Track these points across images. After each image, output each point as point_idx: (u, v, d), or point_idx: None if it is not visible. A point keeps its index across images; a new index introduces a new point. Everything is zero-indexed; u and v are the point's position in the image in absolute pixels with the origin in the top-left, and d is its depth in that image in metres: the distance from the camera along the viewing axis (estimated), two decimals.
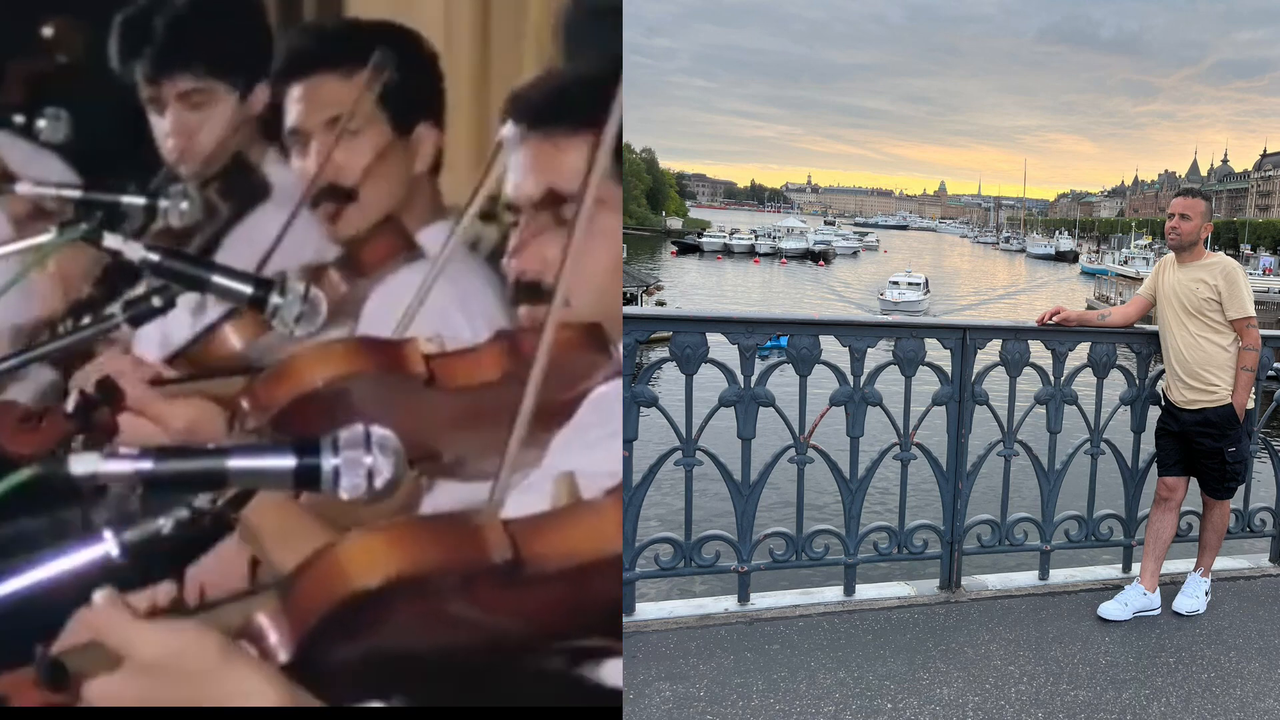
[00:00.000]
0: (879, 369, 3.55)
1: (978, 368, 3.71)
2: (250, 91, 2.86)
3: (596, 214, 1.90)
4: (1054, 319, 3.76)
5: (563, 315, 1.75)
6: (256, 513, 1.71)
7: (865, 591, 3.65)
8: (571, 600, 1.41)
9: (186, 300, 2.30)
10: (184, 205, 2.63)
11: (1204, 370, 3.56)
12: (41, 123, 3.02)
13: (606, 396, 1.91)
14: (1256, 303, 3.73)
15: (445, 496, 2.05)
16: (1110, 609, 3.57)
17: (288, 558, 1.71)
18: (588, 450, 1.82)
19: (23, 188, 2.62)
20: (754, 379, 3.37)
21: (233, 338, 2.40)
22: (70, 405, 2.00)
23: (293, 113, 2.55)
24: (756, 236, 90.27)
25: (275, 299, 2.15)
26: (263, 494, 1.66)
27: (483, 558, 1.38)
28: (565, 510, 1.51)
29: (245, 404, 1.98)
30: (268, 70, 2.76)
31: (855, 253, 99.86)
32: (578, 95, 1.95)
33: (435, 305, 2.21)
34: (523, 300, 2.00)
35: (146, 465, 1.38)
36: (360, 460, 1.43)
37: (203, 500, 1.52)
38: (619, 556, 1.46)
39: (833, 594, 3.62)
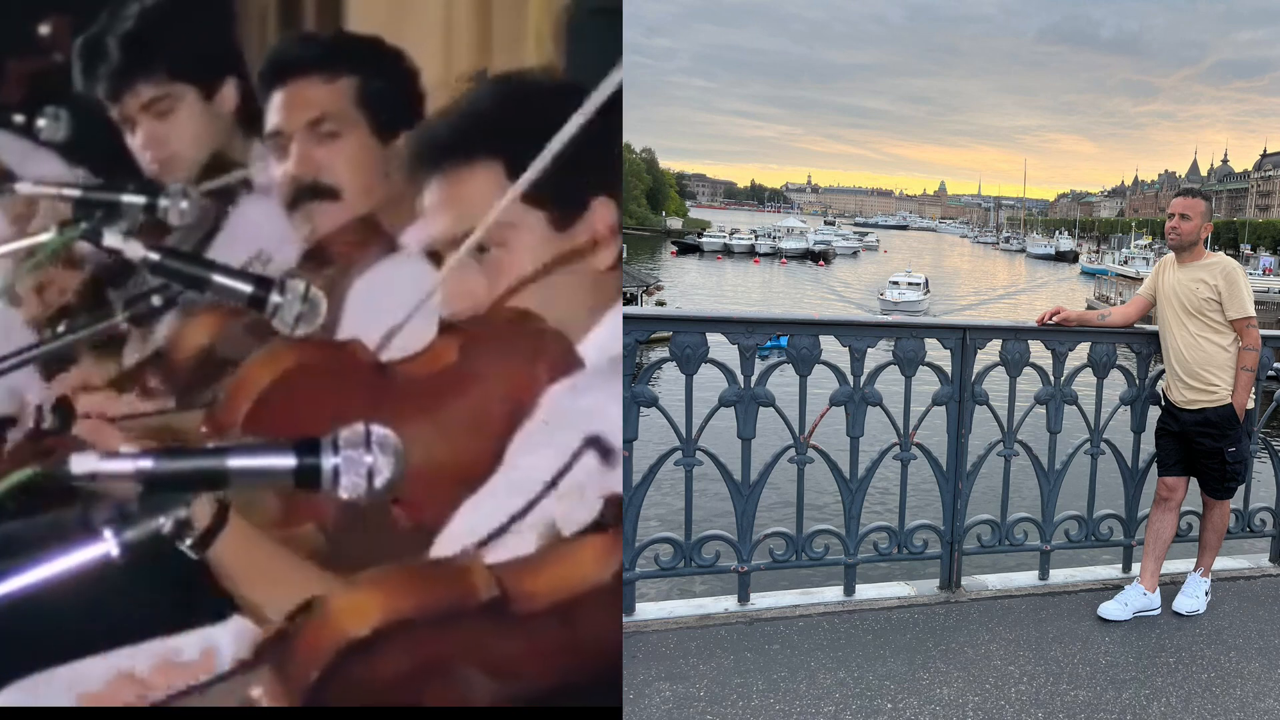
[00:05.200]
0: (879, 369, 3.55)
1: (978, 368, 3.71)
2: (218, 90, 2.86)
3: (511, 238, 1.97)
4: (1054, 319, 3.75)
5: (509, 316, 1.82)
6: (223, 549, 1.70)
7: (865, 591, 3.65)
8: (565, 634, 1.42)
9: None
10: (184, 204, 2.63)
11: (1204, 370, 3.56)
12: (41, 122, 3.01)
13: (565, 396, 1.92)
14: (1256, 303, 3.73)
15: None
16: (1110, 609, 3.57)
17: (260, 592, 1.71)
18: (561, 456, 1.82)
19: (23, 187, 2.62)
20: (754, 379, 3.37)
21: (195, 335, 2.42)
22: (24, 433, 2.02)
23: (273, 114, 2.57)
24: (756, 236, 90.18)
25: (275, 298, 2.15)
26: (229, 531, 1.65)
27: (470, 599, 1.39)
28: (551, 547, 1.52)
29: (205, 430, 2.00)
30: (233, 66, 2.76)
31: (855, 253, 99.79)
32: (460, 128, 2.03)
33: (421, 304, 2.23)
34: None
35: (146, 465, 1.38)
36: (360, 459, 1.43)
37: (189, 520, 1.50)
38: (618, 580, 1.46)
39: (833, 594, 3.62)
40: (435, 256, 2.05)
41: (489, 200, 1.97)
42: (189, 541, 1.57)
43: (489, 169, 2.00)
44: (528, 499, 1.70)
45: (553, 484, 1.71)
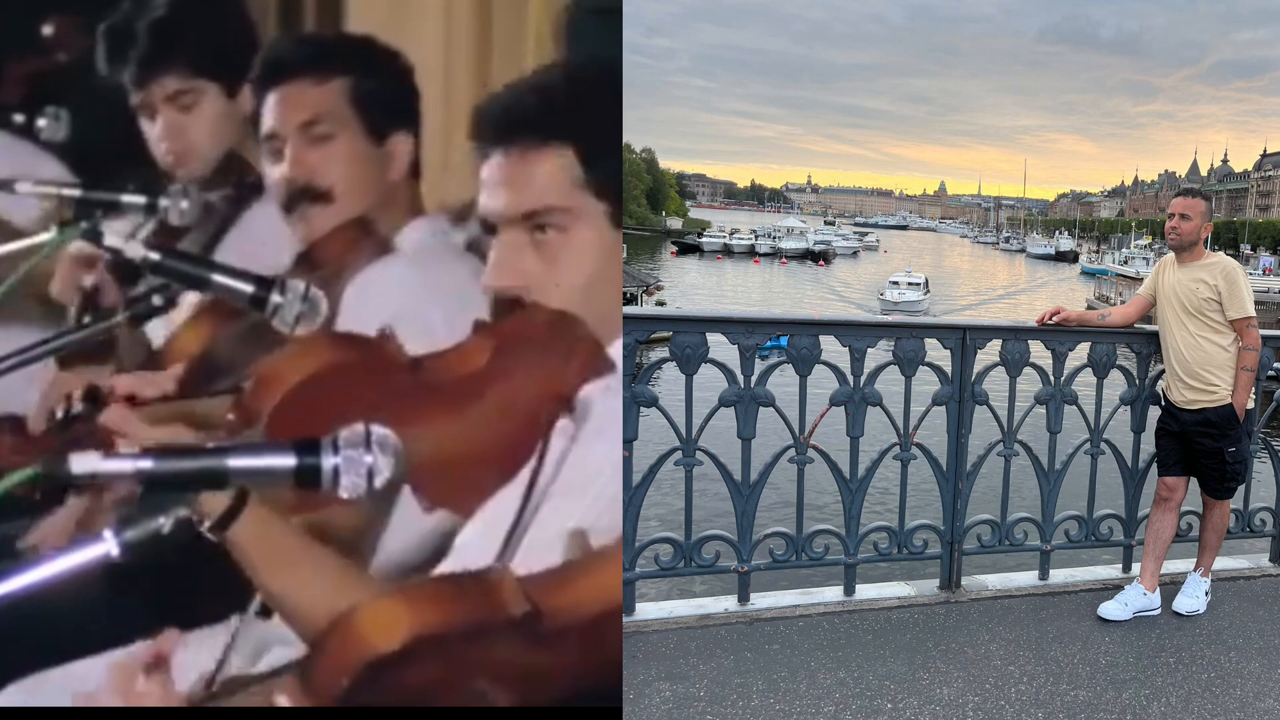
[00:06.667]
0: (879, 369, 3.54)
1: (978, 368, 3.71)
2: (239, 89, 2.87)
3: (572, 226, 1.92)
4: (1054, 319, 3.75)
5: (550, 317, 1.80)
6: (242, 534, 1.70)
7: (865, 591, 3.65)
8: (573, 639, 1.42)
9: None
10: (184, 204, 2.63)
11: (1204, 370, 3.56)
12: (41, 122, 3.02)
13: (596, 395, 1.91)
14: (1256, 303, 3.72)
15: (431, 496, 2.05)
16: (1110, 609, 3.57)
17: (277, 578, 1.71)
18: (582, 459, 1.82)
19: (23, 187, 2.63)
20: (754, 379, 3.36)
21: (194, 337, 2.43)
22: (58, 415, 2.02)
23: (267, 117, 2.57)
24: (756, 236, 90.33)
25: (275, 298, 2.15)
26: (247, 514, 1.65)
27: (500, 614, 1.39)
28: (574, 556, 1.52)
29: (232, 417, 1.99)
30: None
31: (855, 253, 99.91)
32: (542, 106, 1.96)
33: (418, 303, 2.23)
34: (503, 315, 2.03)
35: (146, 465, 1.38)
36: (360, 459, 1.43)
37: (189, 520, 1.50)
38: (620, 582, 1.47)
39: (833, 594, 3.62)
40: (491, 230, 2.00)
41: (555, 182, 1.93)
42: (207, 524, 1.58)
43: (561, 152, 1.93)
44: (558, 504, 1.70)
45: (582, 490, 1.71)
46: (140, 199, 2.60)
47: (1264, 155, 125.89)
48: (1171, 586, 3.75)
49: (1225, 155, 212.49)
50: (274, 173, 2.57)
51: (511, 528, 1.70)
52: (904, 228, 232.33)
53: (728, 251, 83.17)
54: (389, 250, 2.54)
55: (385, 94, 2.58)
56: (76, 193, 2.59)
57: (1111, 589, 3.75)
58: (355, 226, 2.55)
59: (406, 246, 2.55)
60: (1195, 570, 3.80)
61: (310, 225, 2.56)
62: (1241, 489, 3.94)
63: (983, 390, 3.70)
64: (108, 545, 1.37)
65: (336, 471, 1.42)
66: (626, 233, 58.22)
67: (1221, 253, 4.20)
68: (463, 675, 1.37)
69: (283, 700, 1.35)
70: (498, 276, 1.96)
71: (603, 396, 1.90)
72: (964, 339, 3.65)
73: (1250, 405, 3.65)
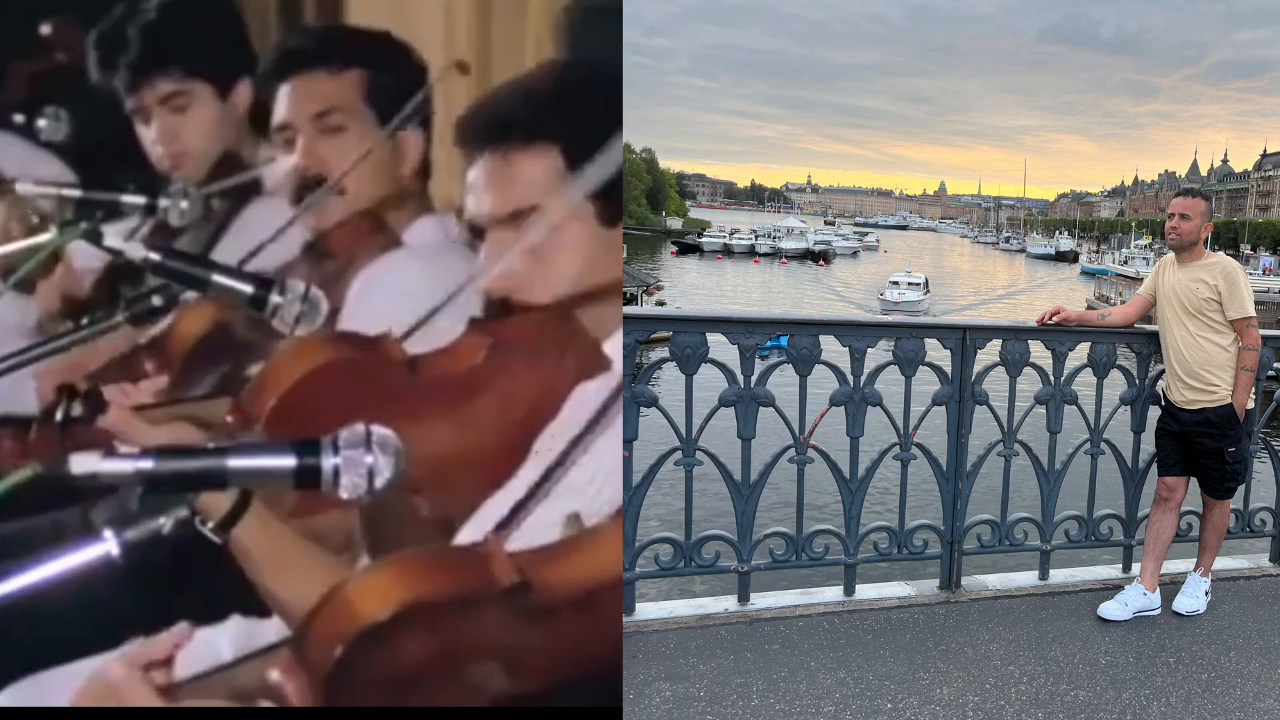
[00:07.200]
0: (879, 369, 3.54)
1: (978, 368, 3.71)
2: (233, 89, 2.87)
3: (566, 226, 1.92)
4: (1054, 319, 3.75)
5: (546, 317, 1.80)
6: (245, 535, 1.70)
7: (865, 591, 3.65)
8: (567, 634, 1.43)
9: None
10: (184, 204, 2.63)
11: (1204, 370, 3.56)
12: (41, 123, 3.02)
13: (595, 394, 1.91)
14: (1256, 303, 3.72)
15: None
16: (1110, 609, 3.57)
17: (279, 579, 1.72)
18: (583, 454, 1.82)
19: (23, 187, 2.63)
20: (754, 379, 3.37)
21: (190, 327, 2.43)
22: (58, 419, 2.02)
23: (280, 107, 2.57)
24: (756, 236, 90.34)
25: (275, 298, 2.15)
26: (250, 515, 1.65)
27: (490, 586, 1.39)
28: (562, 544, 1.53)
29: (231, 420, 2.00)
30: (249, 67, 2.77)
31: (855, 253, 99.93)
32: (538, 106, 1.95)
33: (426, 300, 2.23)
34: (495, 315, 2.03)
35: (146, 465, 1.38)
36: (360, 459, 1.42)
37: (189, 520, 1.50)
38: (619, 580, 1.47)
39: (833, 594, 3.62)
40: (479, 232, 2.00)
41: (544, 183, 1.93)
42: (211, 525, 1.58)
43: (547, 153, 1.93)
44: (557, 503, 1.70)
45: (582, 490, 1.71)
46: (140, 199, 2.60)
47: (1264, 155, 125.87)
48: (1171, 586, 3.75)
49: (1225, 155, 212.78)
50: (284, 163, 2.57)
51: (510, 527, 1.71)
52: (904, 228, 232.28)
53: (728, 251, 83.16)
54: (397, 245, 2.55)
55: (398, 89, 2.58)
56: (76, 193, 2.59)
57: (1111, 589, 3.75)
58: (365, 219, 2.56)
59: (415, 242, 2.56)
60: (1195, 570, 3.80)
61: (320, 216, 2.56)
62: (1241, 489, 3.94)
63: (983, 390, 3.70)
64: (108, 545, 1.37)
65: (336, 472, 1.42)
66: (626, 233, 58.25)
67: (1221, 253, 4.20)
68: (456, 649, 1.37)
69: (275, 674, 1.35)
70: (490, 277, 1.97)
71: (602, 396, 1.90)
72: (964, 339, 3.65)
73: (1250, 405, 3.65)
